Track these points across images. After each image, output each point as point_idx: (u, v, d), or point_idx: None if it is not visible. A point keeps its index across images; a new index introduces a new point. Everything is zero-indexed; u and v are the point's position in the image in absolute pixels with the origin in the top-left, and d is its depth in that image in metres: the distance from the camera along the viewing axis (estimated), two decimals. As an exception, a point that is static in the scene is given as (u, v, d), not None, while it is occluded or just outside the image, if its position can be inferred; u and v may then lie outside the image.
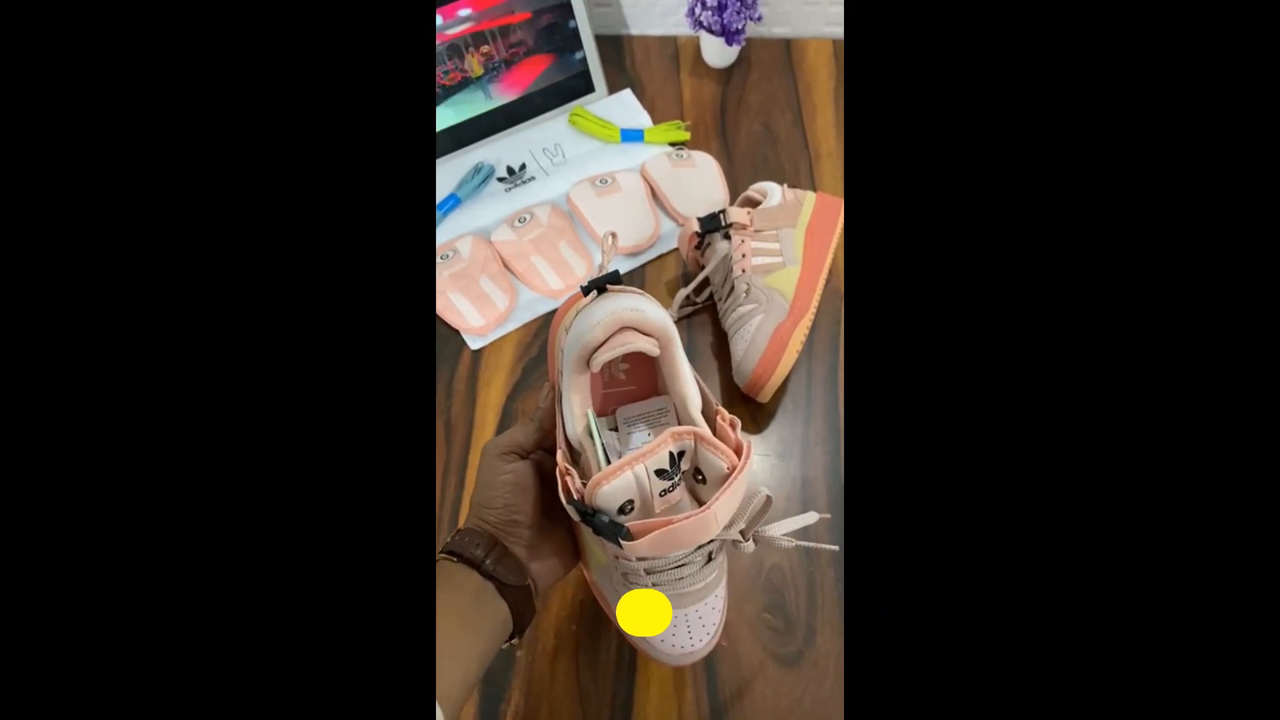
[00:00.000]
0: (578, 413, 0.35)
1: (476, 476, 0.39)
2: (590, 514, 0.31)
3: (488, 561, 0.36)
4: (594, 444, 0.34)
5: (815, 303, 0.54)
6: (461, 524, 0.52)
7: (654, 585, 0.35)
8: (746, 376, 0.52)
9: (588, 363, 0.33)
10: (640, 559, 0.34)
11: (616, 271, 0.36)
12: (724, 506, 0.31)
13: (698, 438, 0.32)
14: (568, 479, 0.32)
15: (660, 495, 0.32)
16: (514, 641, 0.38)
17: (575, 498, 0.32)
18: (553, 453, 0.39)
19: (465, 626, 0.34)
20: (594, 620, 0.48)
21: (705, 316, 0.60)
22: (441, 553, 0.37)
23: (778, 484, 0.53)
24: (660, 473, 0.32)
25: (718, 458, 0.32)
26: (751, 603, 0.49)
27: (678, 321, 0.60)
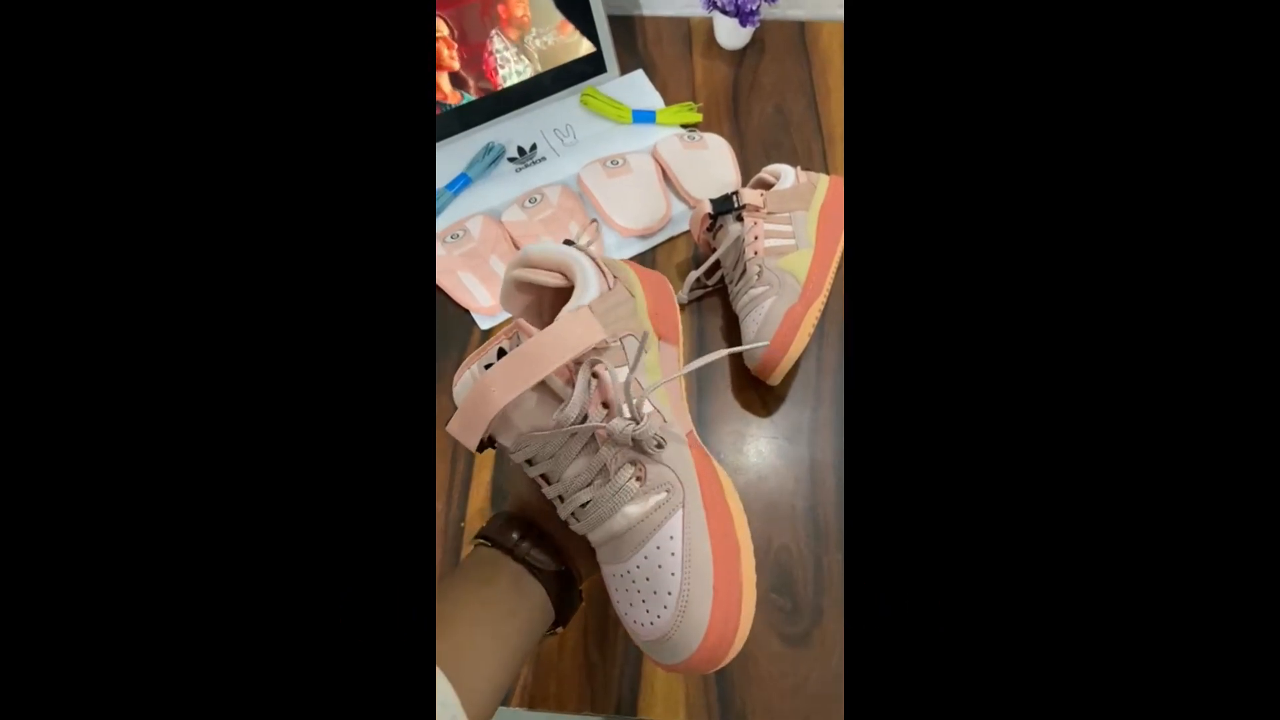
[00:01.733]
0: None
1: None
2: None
3: (522, 545, 0.34)
4: None
5: (827, 286, 0.54)
6: (471, 505, 0.53)
7: (574, 518, 0.33)
8: (757, 359, 0.52)
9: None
10: (530, 464, 0.33)
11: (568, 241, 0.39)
12: (537, 342, 0.31)
13: (520, 328, 0.34)
14: None
15: None
16: (557, 631, 0.36)
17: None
18: None
19: (495, 615, 0.33)
20: (603, 598, 0.48)
21: (716, 299, 0.60)
22: (475, 538, 0.36)
23: (785, 467, 0.53)
24: (488, 366, 0.33)
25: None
26: (759, 582, 0.49)
27: (688, 304, 0.60)
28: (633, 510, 0.31)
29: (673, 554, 0.30)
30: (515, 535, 0.34)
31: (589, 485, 0.32)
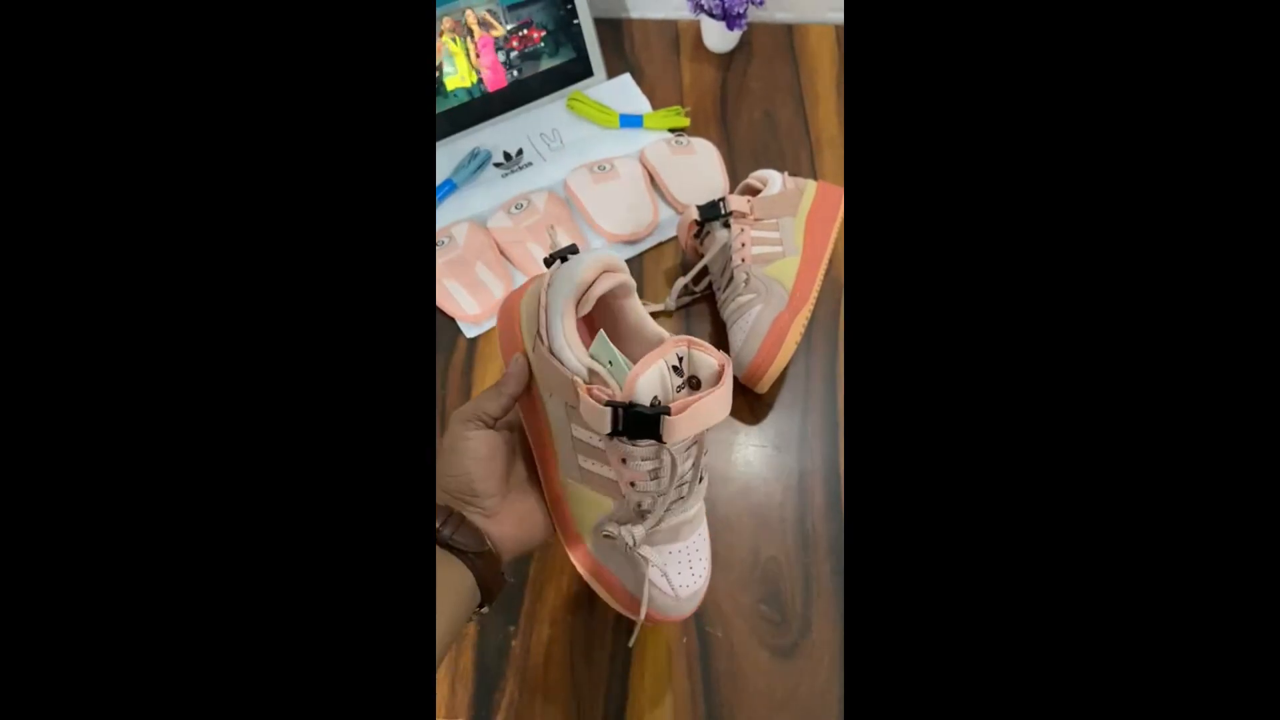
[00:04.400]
0: (577, 344, 0.36)
1: (440, 443, 0.39)
2: (629, 408, 0.34)
3: (444, 530, 0.36)
4: (606, 364, 0.35)
5: (815, 293, 0.54)
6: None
7: (656, 519, 0.37)
8: (744, 367, 0.52)
9: (578, 303, 0.37)
10: (652, 480, 0.37)
11: (573, 245, 0.41)
12: (728, 388, 0.35)
13: (690, 343, 0.35)
14: (596, 391, 0.34)
15: (677, 392, 0.35)
16: (483, 610, 0.38)
17: (612, 399, 0.34)
18: (518, 426, 0.41)
19: None
20: (589, 611, 0.48)
21: (704, 306, 0.60)
22: None
23: (774, 476, 0.52)
24: (674, 368, 0.35)
25: (709, 357, 0.36)
26: (748, 594, 0.48)
27: (676, 311, 0.59)
28: (702, 500, 0.40)
29: (707, 534, 0.41)
30: (438, 522, 0.36)
31: (690, 484, 0.38)
